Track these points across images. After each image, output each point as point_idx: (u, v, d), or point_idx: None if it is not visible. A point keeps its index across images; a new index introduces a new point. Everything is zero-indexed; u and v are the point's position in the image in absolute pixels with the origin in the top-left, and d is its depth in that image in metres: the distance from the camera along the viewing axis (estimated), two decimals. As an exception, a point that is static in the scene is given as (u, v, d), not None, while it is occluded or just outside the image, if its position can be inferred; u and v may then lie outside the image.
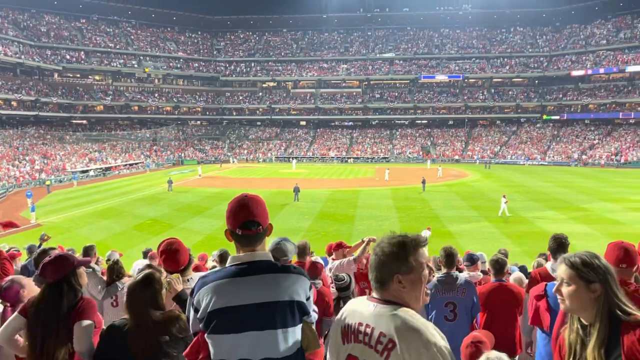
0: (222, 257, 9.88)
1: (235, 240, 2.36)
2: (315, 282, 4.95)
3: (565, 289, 2.15)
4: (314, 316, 2.42)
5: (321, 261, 5.55)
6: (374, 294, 2.05)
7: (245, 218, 2.31)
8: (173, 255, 3.64)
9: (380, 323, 1.91)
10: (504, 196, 28.91)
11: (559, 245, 4.98)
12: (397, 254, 1.96)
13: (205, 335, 2.26)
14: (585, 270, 2.11)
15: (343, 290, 5.42)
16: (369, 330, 1.94)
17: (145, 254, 11.11)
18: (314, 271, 5.12)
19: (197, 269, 7.38)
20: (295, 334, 2.26)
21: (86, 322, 3.00)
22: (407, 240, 2.00)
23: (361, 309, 2.03)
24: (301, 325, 2.32)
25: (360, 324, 1.98)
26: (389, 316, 1.91)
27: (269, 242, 3.14)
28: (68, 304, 3.02)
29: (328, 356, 2.17)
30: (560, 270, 2.20)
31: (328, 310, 4.77)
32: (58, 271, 3.05)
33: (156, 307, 2.92)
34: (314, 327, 2.48)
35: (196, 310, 2.28)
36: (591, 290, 2.09)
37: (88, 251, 6.82)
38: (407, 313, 1.92)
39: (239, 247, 2.37)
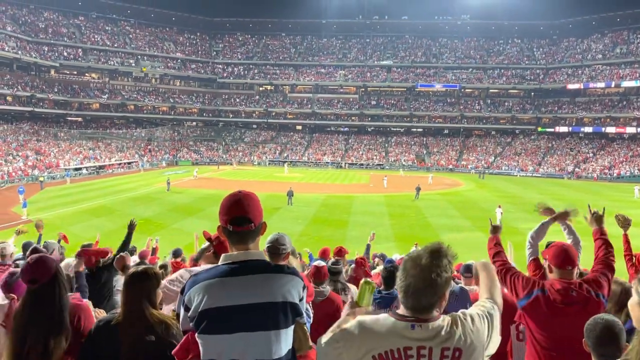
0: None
1: (227, 237, 2.32)
2: (324, 289, 4.76)
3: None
4: (306, 318, 2.38)
5: (323, 263, 5.37)
6: (410, 313, 1.96)
7: (237, 214, 2.26)
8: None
9: (438, 341, 1.89)
10: (499, 206, 28.97)
11: None
12: (450, 277, 1.95)
13: (196, 335, 2.22)
14: None
15: (334, 275, 5.39)
16: (425, 352, 1.88)
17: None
18: (320, 277, 4.85)
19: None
20: (287, 335, 2.22)
21: None
22: (451, 260, 1.98)
23: (399, 333, 1.92)
24: (293, 326, 2.27)
25: (408, 348, 1.88)
26: (446, 332, 1.90)
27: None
28: (60, 308, 2.70)
29: None
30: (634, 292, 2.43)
31: (338, 315, 4.68)
32: (48, 269, 2.69)
33: (151, 303, 2.85)
34: (306, 328, 2.44)
35: (187, 309, 2.23)
36: None
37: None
38: (444, 320, 1.96)
39: (232, 245, 2.33)
